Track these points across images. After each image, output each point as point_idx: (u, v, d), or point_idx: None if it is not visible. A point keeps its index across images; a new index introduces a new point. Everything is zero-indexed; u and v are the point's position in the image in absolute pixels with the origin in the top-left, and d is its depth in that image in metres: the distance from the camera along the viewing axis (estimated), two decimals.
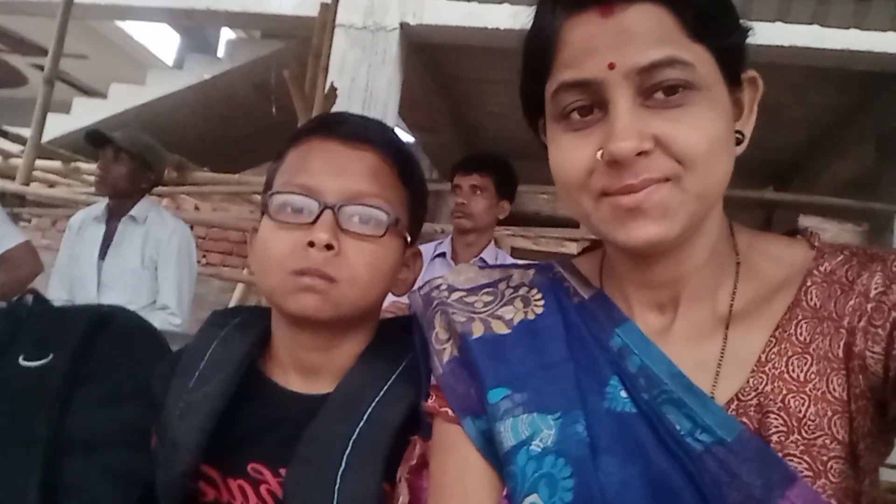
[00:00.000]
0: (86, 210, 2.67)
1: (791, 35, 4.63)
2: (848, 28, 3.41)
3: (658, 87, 0.56)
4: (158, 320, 2.38)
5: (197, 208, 5.71)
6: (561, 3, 0.60)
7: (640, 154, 0.56)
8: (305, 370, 0.80)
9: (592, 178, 0.59)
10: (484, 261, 2.27)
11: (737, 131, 0.63)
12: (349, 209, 0.75)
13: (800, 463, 0.56)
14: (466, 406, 0.67)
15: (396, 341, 0.79)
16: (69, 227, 2.64)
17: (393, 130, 0.85)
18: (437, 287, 0.75)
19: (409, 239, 0.82)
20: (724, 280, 0.65)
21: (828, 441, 0.56)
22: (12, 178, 4.09)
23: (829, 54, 4.94)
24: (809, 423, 0.57)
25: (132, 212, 2.51)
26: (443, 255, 2.37)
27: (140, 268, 2.45)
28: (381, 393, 0.75)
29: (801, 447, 0.56)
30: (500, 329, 0.69)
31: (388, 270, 0.79)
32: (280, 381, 0.80)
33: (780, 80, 5.37)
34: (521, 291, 0.73)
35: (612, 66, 0.56)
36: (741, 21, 0.62)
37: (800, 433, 0.56)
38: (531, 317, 0.69)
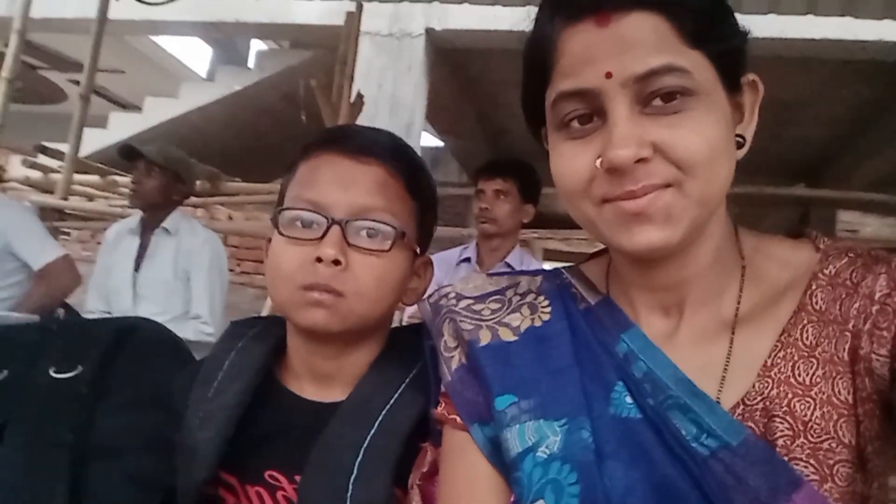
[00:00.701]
0: (120, 223, 2.75)
1: (821, 28, 4.53)
2: (881, 19, 3.32)
3: (656, 95, 0.57)
4: (191, 330, 2.43)
5: (230, 218, 5.82)
6: (559, 12, 0.60)
7: (639, 161, 0.56)
8: (319, 378, 0.82)
9: (593, 186, 0.59)
10: (509, 265, 2.27)
11: (738, 135, 0.63)
12: (356, 224, 0.76)
13: (806, 467, 0.55)
14: (474, 413, 0.68)
15: (408, 349, 0.80)
16: (105, 240, 2.71)
17: (402, 142, 0.86)
18: (446, 295, 0.76)
19: (418, 249, 0.84)
20: (729, 284, 0.65)
21: (834, 445, 0.56)
22: (53, 192, 4.23)
23: (861, 46, 4.83)
24: (815, 426, 0.56)
25: (164, 224, 2.56)
26: (468, 259, 2.37)
27: (173, 278, 2.51)
28: (392, 400, 0.76)
29: (808, 451, 0.56)
30: (507, 336, 0.69)
31: (395, 283, 0.80)
32: (295, 390, 0.82)
33: (811, 74, 5.26)
34: (529, 298, 0.73)
35: (609, 75, 0.56)
36: (739, 26, 0.62)
37: (806, 437, 0.56)
38: (538, 323, 0.70)
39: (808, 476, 0.55)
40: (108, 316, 2.47)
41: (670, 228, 0.57)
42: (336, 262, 0.74)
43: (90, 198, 5.12)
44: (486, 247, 2.34)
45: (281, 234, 0.77)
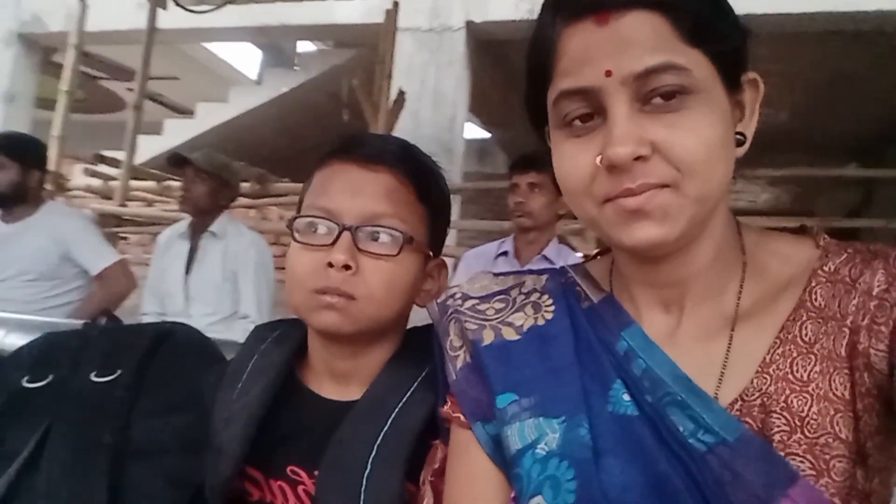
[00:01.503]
0: (172, 228, 2.85)
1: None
2: None
3: (655, 93, 0.57)
4: (240, 329, 2.51)
5: (282, 218, 5.96)
6: (559, 12, 0.61)
7: (638, 159, 0.57)
8: (337, 377, 0.85)
9: (595, 184, 0.60)
10: (547, 258, 2.27)
11: (739, 133, 0.63)
12: (366, 230, 0.79)
13: (802, 462, 0.56)
14: (478, 411, 0.69)
15: (420, 349, 0.83)
16: (157, 245, 2.83)
17: (413, 148, 0.88)
18: (452, 296, 0.78)
19: (430, 252, 0.86)
20: (729, 280, 0.65)
21: (830, 440, 0.56)
22: (112, 199, 4.42)
23: None
24: (812, 422, 0.56)
25: (212, 227, 2.65)
26: (505, 253, 2.38)
27: (221, 280, 2.59)
28: (405, 398, 0.79)
29: (804, 446, 0.56)
30: (510, 335, 0.71)
31: (405, 285, 0.83)
32: (315, 389, 0.85)
33: (863, 48, 5.04)
34: (533, 297, 0.74)
35: (608, 74, 0.57)
36: (739, 24, 0.62)
37: (802, 432, 0.56)
38: (541, 322, 0.71)
39: (804, 471, 0.55)
40: (162, 317, 2.58)
41: (668, 225, 0.58)
42: (347, 267, 0.77)
43: (149, 203, 5.33)
44: (522, 240, 2.35)
45: (296, 240, 0.81)
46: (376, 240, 0.80)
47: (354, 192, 0.81)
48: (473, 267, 2.39)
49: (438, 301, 0.79)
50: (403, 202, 0.82)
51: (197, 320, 2.47)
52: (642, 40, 0.57)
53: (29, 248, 2.60)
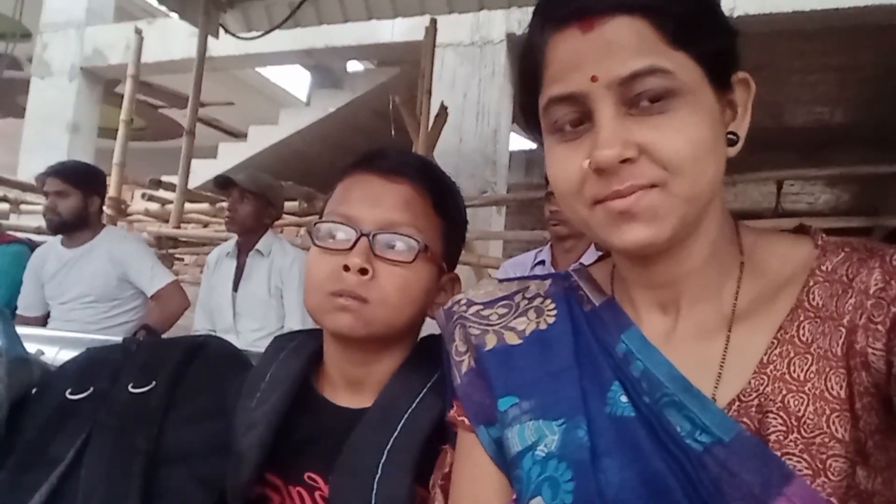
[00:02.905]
0: (220, 247, 2.96)
1: None
2: None
3: (642, 96, 0.58)
4: None
5: None
6: (546, 20, 0.63)
7: (625, 161, 0.58)
8: (351, 385, 0.88)
9: (585, 188, 0.61)
10: (584, 265, 2.25)
11: (731, 133, 0.63)
12: (382, 237, 0.82)
13: (799, 461, 0.55)
14: (481, 415, 0.71)
15: (431, 355, 0.85)
16: (207, 264, 2.94)
17: (432, 163, 0.92)
18: (458, 302, 0.79)
19: (445, 266, 0.88)
20: (726, 280, 0.65)
21: (826, 440, 0.55)
22: (168, 222, 4.61)
23: None
24: (808, 422, 0.56)
25: (258, 246, 2.74)
26: (542, 262, 2.38)
27: (267, 296, 2.68)
28: (414, 404, 0.81)
29: (801, 446, 0.56)
30: (512, 340, 0.72)
31: (418, 293, 0.85)
32: (330, 397, 0.88)
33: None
34: (536, 302, 0.76)
35: (594, 79, 0.58)
36: (727, 25, 0.62)
37: (799, 432, 0.56)
38: (543, 327, 0.72)
39: (800, 471, 0.55)
40: (211, 333, 2.68)
41: (657, 226, 0.59)
42: (363, 272, 0.80)
43: (204, 224, 5.52)
44: (559, 248, 2.34)
45: (315, 244, 0.85)
46: (393, 247, 0.82)
47: (374, 201, 0.84)
48: (512, 276, 2.38)
49: (444, 307, 0.81)
50: (421, 213, 0.85)
51: (245, 335, 2.56)
52: (626, 45, 0.58)
53: (89, 271, 2.73)
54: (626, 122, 0.58)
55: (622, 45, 0.58)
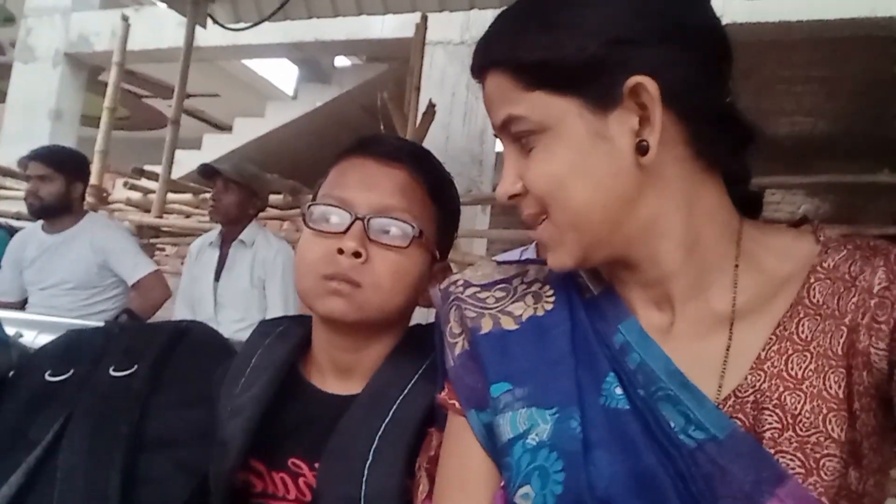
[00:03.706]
0: (203, 237, 2.93)
1: None
2: None
3: (519, 137, 0.64)
4: None
5: None
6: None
7: (515, 197, 0.65)
8: (340, 371, 0.87)
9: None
10: None
11: (642, 140, 0.60)
12: (377, 221, 0.81)
13: (792, 460, 0.55)
14: (472, 399, 0.70)
15: (422, 341, 0.84)
16: (189, 253, 2.91)
17: (426, 151, 0.91)
18: (455, 282, 0.78)
19: (437, 254, 0.88)
20: (716, 278, 0.64)
21: (822, 439, 0.55)
22: (150, 211, 4.56)
23: None
24: (804, 420, 0.56)
25: (241, 236, 2.72)
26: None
27: (250, 287, 2.65)
28: (406, 390, 0.80)
29: (795, 444, 0.56)
30: (509, 325, 0.71)
31: (411, 279, 0.84)
32: (317, 383, 0.87)
33: None
34: (534, 288, 0.75)
35: (494, 126, 0.66)
36: (586, 46, 0.59)
37: (794, 430, 0.56)
38: (540, 313, 0.72)
39: (793, 469, 0.55)
40: None
41: (561, 252, 0.64)
42: (356, 255, 0.79)
43: (186, 215, 5.46)
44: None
45: (308, 227, 0.83)
46: (387, 231, 0.82)
47: (369, 185, 0.83)
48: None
49: (441, 287, 0.79)
50: (416, 199, 0.84)
51: (226, 326, 2.53)
52: (495, 97, 0.65)
53: (70, 258, 2.70)
54: (520, 161, 0.64)
55: (492, 98, 0.65)
